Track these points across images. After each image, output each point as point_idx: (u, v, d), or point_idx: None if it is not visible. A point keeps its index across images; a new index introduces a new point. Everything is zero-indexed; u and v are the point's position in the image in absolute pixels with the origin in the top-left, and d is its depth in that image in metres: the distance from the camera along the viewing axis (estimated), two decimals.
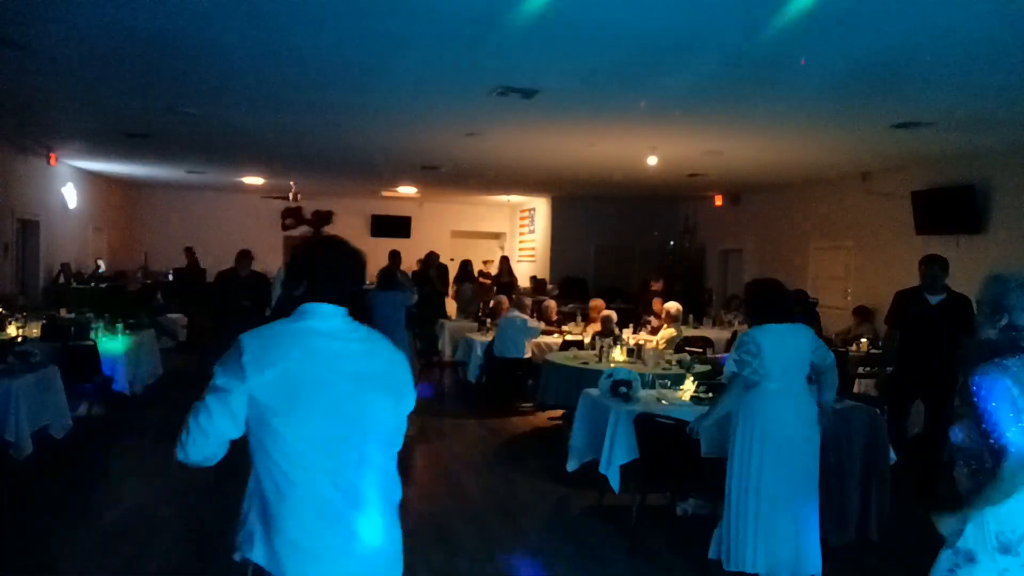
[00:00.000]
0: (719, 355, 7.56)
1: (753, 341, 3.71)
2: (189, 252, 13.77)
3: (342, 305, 2.05)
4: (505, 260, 13.68)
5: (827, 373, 3.91)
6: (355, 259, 2.12)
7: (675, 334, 8.18)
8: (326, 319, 2.00)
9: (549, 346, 8.60)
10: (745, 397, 3.77)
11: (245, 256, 8.48)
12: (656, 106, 6.45)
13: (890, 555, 4.45)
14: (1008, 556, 2.18)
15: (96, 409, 7.23)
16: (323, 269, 2.05)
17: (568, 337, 8.83)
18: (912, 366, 5.56)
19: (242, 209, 15.96)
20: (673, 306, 8.39)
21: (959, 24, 4.18)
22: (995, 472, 2.13)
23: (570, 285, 14.09)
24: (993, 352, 2.22)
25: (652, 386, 5.53)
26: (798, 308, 6.88)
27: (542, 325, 9.15)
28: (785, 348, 3.75)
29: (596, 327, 8.65)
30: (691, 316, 10.18)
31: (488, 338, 8.73)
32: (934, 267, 5.52)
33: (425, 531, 4.63)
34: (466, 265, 12.63)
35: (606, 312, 8.48)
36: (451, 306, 12.31)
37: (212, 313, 8.64)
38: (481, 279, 13.11)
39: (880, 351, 7.78)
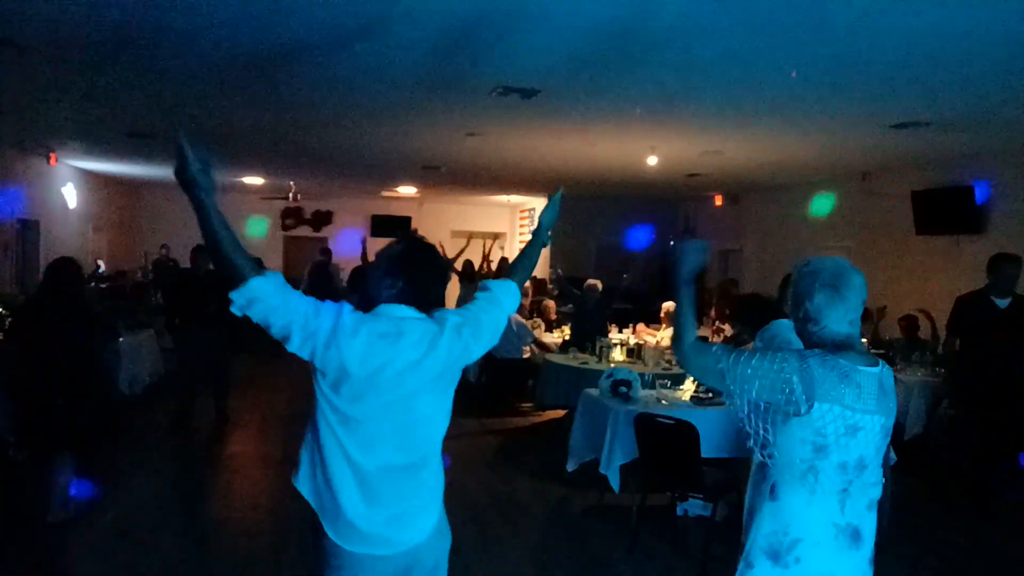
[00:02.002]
0: None
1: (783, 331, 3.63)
2: (195, 253, 13.70)
3: (423, 309, 2.12)
4: (504, 261, 13.68)
5: None
6: (443, 266, 2.33)
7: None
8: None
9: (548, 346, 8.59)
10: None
11: (202, 251, 7.28)
12: (656, 106, 6.45)
13: (890, 555, 4.45)
14: (773, 564, 1.97)
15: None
16: (419, 272, 2.15)
17: (567, 337, 8.83)
18: (978, 376, 5.06)
19: (242, 209, 15.96)
20: (671, 305, 8.40)
21: (959, 24, 4.18)
22: None
23: (570, 285, 14.05)
24: None
25: (652, 386, 5.54)
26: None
27: (542, 328, 9.15)
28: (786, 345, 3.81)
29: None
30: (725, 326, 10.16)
31: None
32: (1009, 267, 5.01)
33: None
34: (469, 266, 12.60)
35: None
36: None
37: (167, 318, 7.40)
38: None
39: (878, 350, 7.78)
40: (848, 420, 1.91)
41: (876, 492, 2.00)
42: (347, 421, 1.97)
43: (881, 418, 1.96)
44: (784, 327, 3.63)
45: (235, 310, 1.91)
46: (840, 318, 1.99)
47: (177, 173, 1.93)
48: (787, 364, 1.94)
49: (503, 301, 2.37)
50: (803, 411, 1.91)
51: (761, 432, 2.00)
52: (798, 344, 2.14)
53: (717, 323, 8.98)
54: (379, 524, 1.99)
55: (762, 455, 2.02)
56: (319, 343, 1.92)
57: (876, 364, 2.00)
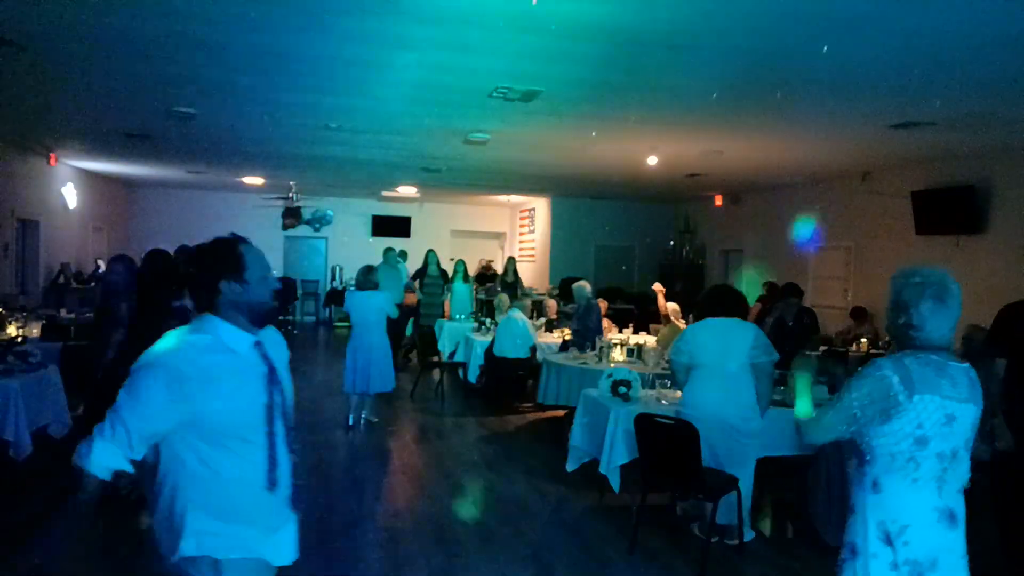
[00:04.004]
0: None
1: (688, 332, 4.62)
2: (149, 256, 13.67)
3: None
4: (511, 261, 13.69)
5: (760, 381, 4.36)
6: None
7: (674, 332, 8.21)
8: None
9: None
10: (688, 378, 4.50)
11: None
12: (656, 106, 6.45)
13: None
14: (889, 548, 2.17)
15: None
16: None
17: (567, 337, 8.83)
18: None
19: (242, 209, 15.96)
20: (673, 306, 8.42)
21: (959, 25, 4.18)
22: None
23: (570, 285, 14.07)
24: None
25: (652, 386, 5.53)
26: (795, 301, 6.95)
27: (543, 329, 9.15)
28: (718, 339, 4.39)
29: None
30: (691, 316, 10.17)
31: (488, 338, 8.73)
32: None
33: (425, 531, 4.64)
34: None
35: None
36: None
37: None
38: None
39: (878, 350, 7.78)
40: (947, 409, 2.13)
41: (966, 477, 2.23)
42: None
43: (974, 407, 2.19)
44: (688, 331, 4.57)
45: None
46: (942, 326, 2.21)
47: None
48: (884, 369, 2.18)
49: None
50: (903, 402, 2.12)
51: (864, 427, 2.22)
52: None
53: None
54: None
55: (864, 440, 2.24)
56: None
57: (964, 363, 2.24)
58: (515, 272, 11.94)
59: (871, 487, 2.23)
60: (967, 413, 2.17)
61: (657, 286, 8.75)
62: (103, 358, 4.97)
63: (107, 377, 4.86)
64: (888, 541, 2.17)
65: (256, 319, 2.11)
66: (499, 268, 14.01)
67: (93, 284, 11.27)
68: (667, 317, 8.30)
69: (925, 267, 2.29)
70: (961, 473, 2.21)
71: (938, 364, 2.17)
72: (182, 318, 5.10)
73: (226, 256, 2.06)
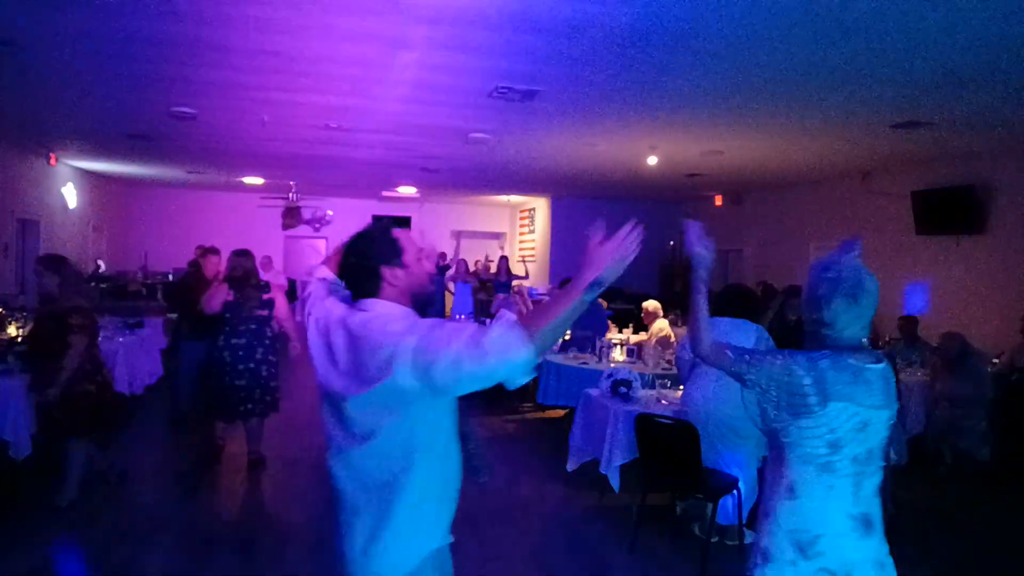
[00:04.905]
0: None
1: None
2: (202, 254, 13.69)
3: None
4: (504, 260, 13.69)
5: None
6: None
7: (664, 327, 8.32)
8: None
9: None
10: (691, 375, 4.55)
11: (208, 253, 7.11)
12: (656, 106, 6.45)
13: (890, 555, 4.44)
14: (801, 557, 2.05)
15: None
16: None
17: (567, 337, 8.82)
18: None
19: (242, 209, 15.96)
20: (652, 304, 8.60)
21: (959, 24, 4.18)
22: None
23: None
24: None
25: (652, 386, 5.53)
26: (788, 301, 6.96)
27: None
28: (721, 338, 4.17)
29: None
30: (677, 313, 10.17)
31: None
32: None
33: None
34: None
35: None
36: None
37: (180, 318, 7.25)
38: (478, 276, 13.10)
39: (880, 350, 7.78)
40: (861, 416, 2.03)
41: (879, 478, 2.12)
42: None
43: (887, 412, 2.09)
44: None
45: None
46: (853, 324, 2.09)
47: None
48: (798, 367, 2.05)
49: (494, 354, 1.66)
50: (817, 410, 2.02)
51: (775, 422, 2.10)
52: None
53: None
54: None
55: (778, 440, 2.12)
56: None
57: (880, 361, 2.11)
58: (508, 272, 11.96)
59: (787, 493, 2.10)
60: (880, 418, 2.07)
61: (661, 320, 8.73)
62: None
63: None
64: (800, 550, 2.06)
65: (418, 305, 2.00)
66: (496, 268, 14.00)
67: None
68: (650, 314, 8.45)
69: (843, 260, 2.14)
70: (874, 474, 2.10)
71: (855, 369, 2.04)
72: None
73: (384, 241, 1.99)
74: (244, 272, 5.74)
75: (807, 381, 2.02)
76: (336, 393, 1.90)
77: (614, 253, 1.73)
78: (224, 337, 5.64)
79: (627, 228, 1.78)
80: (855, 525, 2.07)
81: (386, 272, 1.94)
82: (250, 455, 5.88)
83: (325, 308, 2.04)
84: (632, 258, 1.78)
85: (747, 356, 2.18)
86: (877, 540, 2.12)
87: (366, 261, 1.95)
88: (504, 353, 1.64)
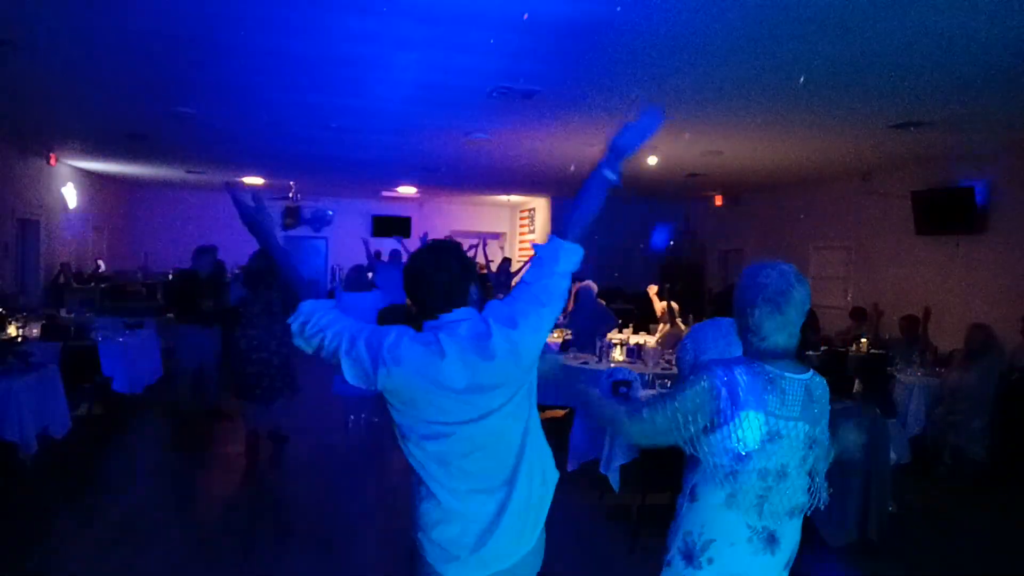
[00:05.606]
0: None
1: (695, 329, 4.32)
2: (196, 253, 13.68)
3: (426, 316, 2.24)
4: (507, 261, 13.69)
5: None
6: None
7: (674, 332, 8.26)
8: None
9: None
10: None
11: (203, 253, 7.82)
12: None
13: (890, 555, 4.45)
14: (690, 563, 2.00)
15: (96, 409, 7.22)
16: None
17: (567, 337, 8.82)
18: None
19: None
20: (664, 305, 8.53)
21: (959, 24, 4.18)
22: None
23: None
24: None
25: (652, 386, 5.53)
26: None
27: None
28: (721, 338, 4.28)
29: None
30: (691, 316, 10.18)
31: None
32: None
33: None
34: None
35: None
36: None
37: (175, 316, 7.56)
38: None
39: (878, 350, 7.78)
40: (771, 426, 1.93)
41: (800, 500, 2.01)
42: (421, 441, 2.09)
43: (806, 426, 1.98)
44: (696, 330, 4.25)
45: (296, 340, 2.05)
46: (780, 332, 2.00)
47: (242, 219, 2.20)
48: (714, 378, 1.97)
49: (554, 267, 2.17)
50: (728, 416, 1.93)
51: (694, 438, 2.00)
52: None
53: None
54: (467, 548, 2.01)
55: (691, 466, 2.08)
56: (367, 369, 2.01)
57: (806, 372, 2.02)
58: (508, 272, 11.94)
59: (689, 495, 2.06)
60: (797, 431, 1.95)
61: (651, 289, 8.76)
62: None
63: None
64: (690, 554, 2.00)
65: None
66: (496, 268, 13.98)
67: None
68: (663, 317, 8.31)
69: (776, 266, 2.07)
70: (791, 493, 1.97)
71: (770, 376, 1.95)
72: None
73: (468, 260, 2.16)
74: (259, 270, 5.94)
75: (723, 391, 1.94)
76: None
77: (634, 123, 2.19)
78: (241, 327, 5.89)
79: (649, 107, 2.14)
80: (753, 537, 1.96)
81: (472, 290, 2.11)
82: (274, 434, 6.30)
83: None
84: (655, 130, 2.20)
85: (659, 401, 2.06)
86: (779, 561, 2.00)
87: (463, 280, 2.09)
88: (566, 266, 2.22)
